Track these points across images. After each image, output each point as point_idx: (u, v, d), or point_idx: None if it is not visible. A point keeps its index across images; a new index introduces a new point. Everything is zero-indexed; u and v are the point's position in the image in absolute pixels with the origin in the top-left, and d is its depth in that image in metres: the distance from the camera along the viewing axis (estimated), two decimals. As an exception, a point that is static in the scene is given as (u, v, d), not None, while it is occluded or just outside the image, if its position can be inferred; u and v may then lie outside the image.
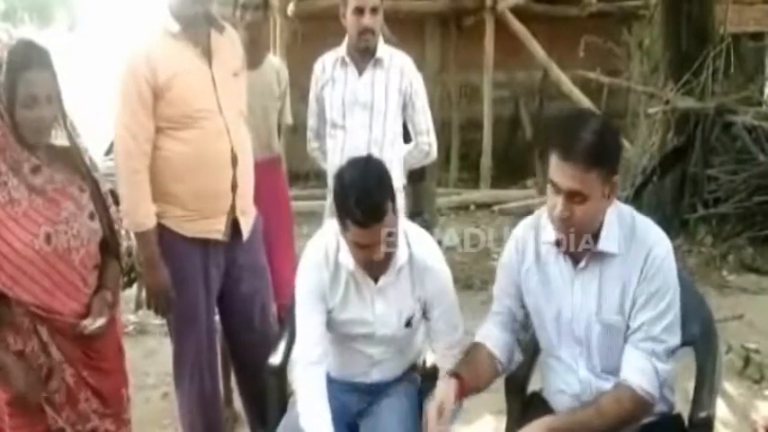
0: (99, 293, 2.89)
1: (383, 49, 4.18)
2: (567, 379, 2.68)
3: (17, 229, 2.65)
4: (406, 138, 4.35)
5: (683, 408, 2.77)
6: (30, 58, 2.66)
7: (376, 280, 2.87)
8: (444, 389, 2.61)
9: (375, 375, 3.06)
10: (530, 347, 2.96)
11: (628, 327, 2.56)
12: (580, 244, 2.55)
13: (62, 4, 23.65)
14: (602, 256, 2.56)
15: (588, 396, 2.62)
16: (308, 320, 2.88)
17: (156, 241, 3.37)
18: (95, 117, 2.97)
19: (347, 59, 4.18)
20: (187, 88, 3.31)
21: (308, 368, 2.84)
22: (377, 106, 4.14)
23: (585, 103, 9.69)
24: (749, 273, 7.03)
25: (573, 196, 2.41)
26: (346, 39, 4.21)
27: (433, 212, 7.31)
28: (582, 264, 2.58)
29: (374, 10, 4.05)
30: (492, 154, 10.59)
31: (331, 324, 2.93)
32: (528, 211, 9.01)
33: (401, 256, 2.84)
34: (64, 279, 2.76)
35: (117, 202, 3.14)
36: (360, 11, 4.02)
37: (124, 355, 3.14)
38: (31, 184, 2.70)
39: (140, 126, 3.27)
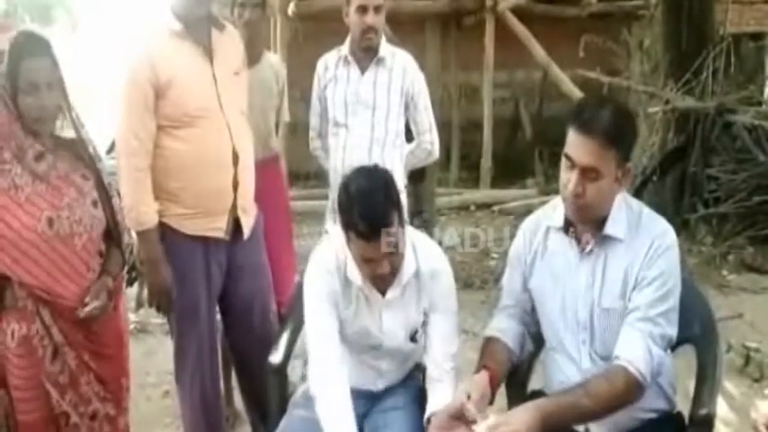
0: (100, 278, 2.93)
1: (385, 49, 4.19)
2: (569, 371, 2.69)
3: (20, 214, 2.72)
4: (408, 137, 4.35)
5: (683, 406, 2.78)
6: (30, 46, 2.74)
7: (383, 293, 2.82)
8: (479, 380, 2.59)
9: (381, 384, 3.05)
10: (533, 343, 2.96)
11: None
12: (587, 228, 2.59)
13: (62, 4, 23.65)
14: (607, 241, 2.58)
15: None
16: (323, 325, 2.80)
17: (157, 240, 3.37)
18: (96, 116, 2.98)
19: (350, 58, 4.18)
20: (188, 87, 3.32)
21: (333, 369, 2.74)
22: (379, 105, 4.14)
23: (585, 103, 9.68)
24: (749, 272, 7.04)
25: (588, 172, 2.44)
26: (349, 38, 4.21)
27: (433, 212, 7.31)
28: (588, 248, 2.61)
29: (378, 8, 4.05)
30: (492, 154, 10.60)
31: (340, 335, 2.88)
32: (528, 210, 9.07)
33: (408, 269, 2.78)
34: (66, 263, 2.81)
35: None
36: (363, 9, 4.03)
37: (126, 343, 3.18)
38: (35, 170, 2.77)
39: (142, 125, 3.28)
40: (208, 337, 3.60)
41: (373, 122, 4.14)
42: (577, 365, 2.67)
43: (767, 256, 7.23)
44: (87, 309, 2.84)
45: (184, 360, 3.62)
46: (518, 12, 10.54)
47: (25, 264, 2.75)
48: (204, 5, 3.41)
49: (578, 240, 2.64)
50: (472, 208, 9.75)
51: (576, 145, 2.46)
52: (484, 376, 2.60)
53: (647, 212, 2.64)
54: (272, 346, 3.29)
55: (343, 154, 4.16)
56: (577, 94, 9.83)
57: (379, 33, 4.13)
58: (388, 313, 2.86)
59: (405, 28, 7.16)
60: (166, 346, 5.34)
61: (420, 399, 3.05)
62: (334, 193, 4.30)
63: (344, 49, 4.23)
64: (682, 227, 7.59)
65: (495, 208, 9.54)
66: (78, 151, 2.92)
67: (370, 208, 2.55)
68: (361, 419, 2.98)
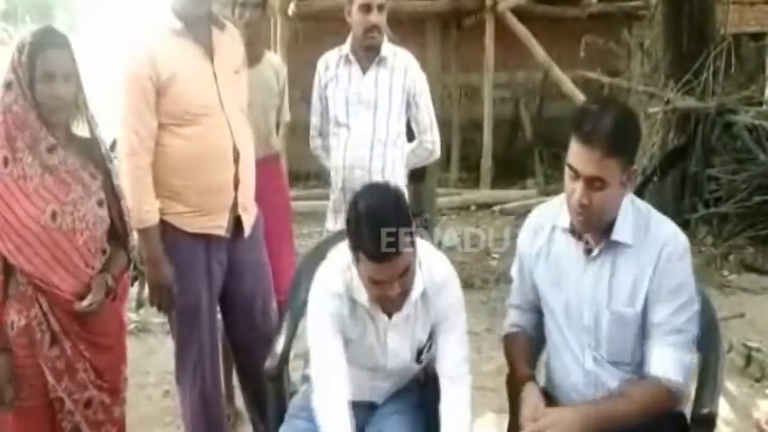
0: (99, 275, 2.95)
1: (387, 48, 4.18)
2: (572, 371, 2.70)
3: (26, 203, 2.76)
4: (409, 136, 4.35)
5: (685, 406, 2.77)
6: (49, 38, 2.84)
7: (389, 314, 2.75)
8: (532, 395, 2.62)
9: (382, 399, 3.03)
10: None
11: (644, 320, 2.57)
12: (595, 232, 2.58)
13: (62, 4, 23.68)
14: (615, 246, 2.58)
15: (593, 389, 2.65)
16: (328, 349, 2.73)
17: (158, 238, 3.37)
18: (98, 115, 2.99)
19: (351, 58, 4.18)
20: (189, 85, 3.32)
21: (332, 402, 2.68)
22: (380, 105, 4.14)
23: (586, 103, 9.68)
24: (750, 272, 7.04)
25: (592, 182, 2.42)
26: (350, 37, 4.21)
27: (433, 212, 7.31)
28: (595, 252, 2.60)
29: (381, 7, 4.05)
30: (492, 154, 10.58)
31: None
32: (528, 211, 9.08)
33: (416, 290, 2.71)
34: (66, 257, 2.84)
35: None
36: (367, 8, 4.02)
37: (125, 333, 3.21)
38: (45, 162, 2.81)
39: (143, 123, 3.28)
40: (208, 337, 3.60)
41: (375, 122, 4.14)
42: (581, 367, 2.67)
43: (768, 256, 7.24)
44: (85, 303, 2.86)
45: (185, 359, 3.62)
46: (518, 12, 10.53)
47: (26, 252, 2.78)
48: (204, 4, 3.42)
49: (585, 243, 2.63)
50: (472, 208, 9.74)
51: (578, 155, 2.44)
52: (534, 390, 2.64)
53: (656, 215, 2.63)
54: (272, 344, 3.27)
55: (345, 153, 4.15)
56: (578, 94, 9.83)
57: (383, 32, 4.12)
58: (394, 335, 2.80)
59: (405, 28, 7.16)
60: (167, 346, 5.34)
61: (420, 402, 3.06)
62: (335, 193, 4.30)
63: (345, 48, 4.23)
64: (682, 227, 7.53)
65: (496, 208, 9.54)
66: (90, 150, 2.96)
67: (379, 228, 2.45)
68: (362, 426, 2.95)
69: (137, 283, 5.13)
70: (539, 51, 10.29)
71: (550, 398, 2.77)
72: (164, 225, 3.39)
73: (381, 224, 2.45)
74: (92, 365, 2.95)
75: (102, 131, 3.03)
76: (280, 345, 3.17)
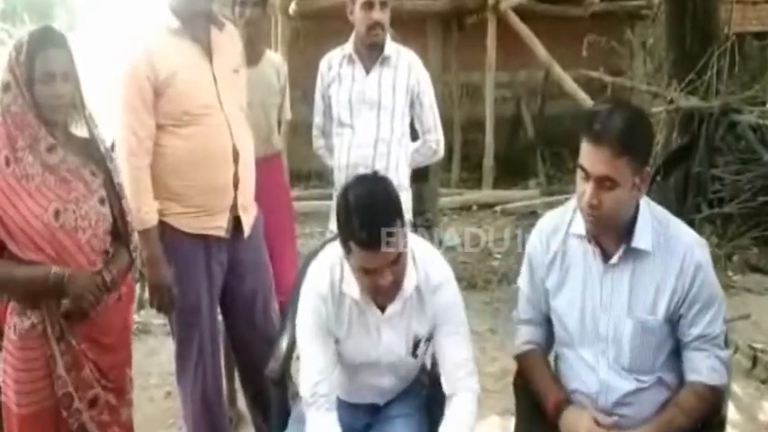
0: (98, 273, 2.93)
1: (390, 47, 4.16)
2: (586, 378, 2.67)
3: (30, 202, 2.76)
4: (413, 135, 4.32)
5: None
6: (47, 37, 2.82)
7: (382, 309, 2.74)
8: (581, 418, 2.61)
9: (383, 399, 3.01)
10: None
11: (668, 327, 2.58)
12: (611, 238, 2.57)
13: (62, 3, 23.66)
14: (635, 254, 2.55)
15: (604, 396, 2.64)
16: (312, 355, 2.75)
17: (157, 239, 3.36)
18: (96, 114, 2.98)
19: (354, 57, 4.16)
20: (188, 85, 3.32)
21: (317, 411, 2.72)
22: (384, 105, 4.12)
23: (588, 103, 9.65)
24: (754, 273, 7.00)
25: (603, 182, 2.41)
26: (353, 36, 4.18)
27: (435, 212, 7.28)
28: (614, 260, 2.58)
29: (384, 4, 4.03)
30: (494, 154, 10.55)
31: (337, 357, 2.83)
32: (530, 211, 9.09)
33: (409, 283, 2.70)
34: (69, 256, 2.83)
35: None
36: (369, 5, 4.00)
37: (130, 334, 3.22)
38: (46, 162, 2.81)
39: (142, 124, 3.28)
40: (209, 338, 3.59)
41: (378, 122, 4.12)
42: (595, 375, 2.65)
43: (772, 256, 7.21)
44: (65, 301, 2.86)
45: (186, 360, 3.61)
46: (520, 11, 10.49)
47: (32, 251, 2.77)
48: (202, 2, 3.40)
49: (602, 250, 2.60)
50: (474, 208, 9.71)
51: (589, 155, 2.43)
52: (581, 413, 2.63)
53: (674, 221, 2.62)
54: (273, 344, 3.27)
55: (348, 153, 4.14)
56: (580, 93, 9.80)
57: (386, 29, 4.10)
58: (388, 330, 2.78)
59: (406, 27, 7.12)
60: (168, 347, 5.31)
61: (425, 405, 3.03)
62: (337, 192, 4.28)
63: (348, 47, 4.21)
64: (686, 227, 7.55)
65: (497, 208, 9.50)
66: (90, 150, 2.94)
67: (369, 215, 2.46)
68: (366, 429, 2.95)
69: (137, 285, 5.11)
70: (541, 51, 10.26)
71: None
72: (163, 226, 3.39)
73: (372, 212, 2.47)
74: (96, 366, 2.94)
75: (102, 131, 3.01)
76: (282, 347, 3.16)
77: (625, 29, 10.27)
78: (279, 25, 9.96)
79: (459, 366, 2.78)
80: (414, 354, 2.84)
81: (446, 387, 2.79)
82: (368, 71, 4.15)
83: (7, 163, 2.74)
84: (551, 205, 8.62)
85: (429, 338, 2.83)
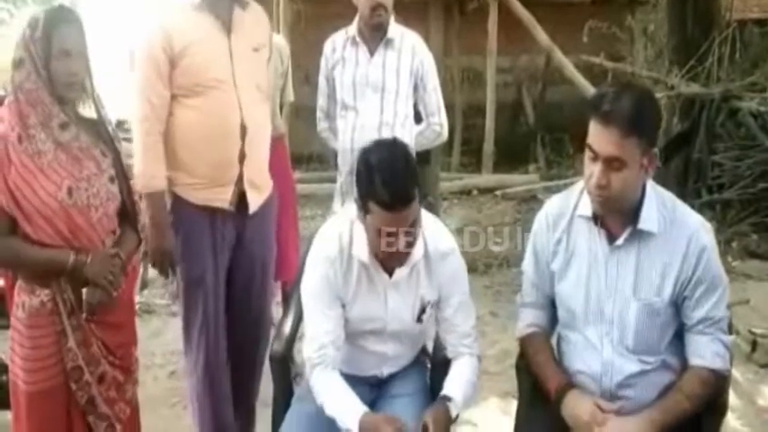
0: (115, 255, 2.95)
1: (394, 29, 4.17)
2: (589, 359, 2.68)
3: (43, 179, 2.76)
4: (417, 118, 4.33)
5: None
6: (63, 14, 2.83)
7: (390, 273, 2.80)
8: (583, 402, 2.61)
9: (386, 370, 3.04)
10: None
11: (676, 311, 2.60)
12: (617, 220, 2.58)
13: (63, -17, 23.55)
14: (640, 236, 2.57)
15: (608, 377, 2.64)
16: (319, 318, 2.80)
17: (163, 205, 3.45)
18: (102, 95, 3.00)
19: (358, 39, 4.17)
20: (202, 57, 3.37)
21: (323, 370, 2.78)
22: (388, 87, 4.13)
23: (589, 89, 9.64)
24: (753, 259, 7.01)
25: (611, 162, 2.42)
26: (356, 19, 4.19)
27: (436, 196, 7.29)
28: (619, 241, 2.59)
29: None
30: (494, 139, 10.55)
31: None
32: (530, 196, 9.09)
33: (417, 251, 2.76)
34: (83, 233, 2.84)
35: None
36: None
37: (134, 313, 3.25)
38: (58, 139, 2.80)
39: (156, 92, 3.36)
40: (213, 309, 3.61)
41: (382, 105, 4.13)
42: (599, 356, 2.66)
43: (772, 242, 7.23)
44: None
45: (190, 330, 3.64)
46: (522, -4, 10.48)
47: (46, 229, 2.78)
48: None
49: (608, 232, 2.62)
50: (474, 192, 9.71)
51: (597, 136, 2.44)
52: (583, 397, 2.63)
53: (680, 205, 2.63)
54: (265, 323, 3.53)
55: (352, 136, 4.15)
56: (580, 79, 9.76)
57: (389, 11, 4.10)
58: (395, 294, 2.84)
59: (408, 12, 7.11)
60: (171, 327, 5.36)
61: (427, 386, 3.06)
62: (342, 176, 4.29)
63: (352, 30, 4.22)
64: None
65: (498, 193, 9.50)
66: (99, 130, 2.95)
67: (392, 177, 2.52)
68: (369, 405, 2.97)
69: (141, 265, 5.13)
70: (542, 36, 10.20)
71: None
72: (171, 196, 3.48)
73: (393, 172, 2.53)
74: (103, 343, 2.95)
75: (108, 112, 3.03)
76: (286, 327, 3.18)
77: (626, 15, 10.24)
78: (281, 7, 9.93)
79: (464, 336, 2.90)
80: (419, 319, 2.89)
81: (450, 352, 2.91)
82: (372, 53, 4.16)
83: (20, 140, 2.74)
84: (551, 190, 8.68)
85: (434, 305, 2.89)
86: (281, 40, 4.62)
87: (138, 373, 3.17)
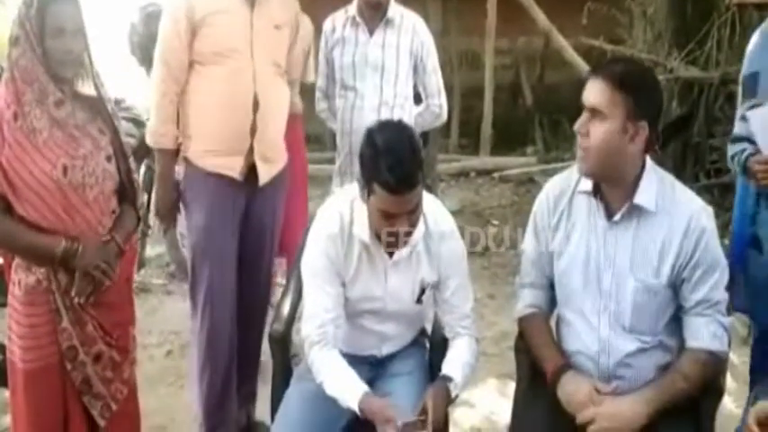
0: (109, 242, 2.94)
1: (394, 9, 4.15)
2: (586, 339, 2.69)
3: (38, 157, 2.75)
4: (416, 100, 4.32)
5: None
6: None
7: (390, 254, 2.82)
8: (579, 382, 2.62)
9: (385, 350, 3.05)
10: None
11: (674, 294, 2.61)
12: (616, 195, 2.60)
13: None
14: (638, 212, 2.58)
15: (606, 356, 2.65)
16: (319, 295, 2.81)
17: (171, 161, 3.62)
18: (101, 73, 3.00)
19: (358, 19, 4.15)
20: (221, 27, 3.44)
21: (322, 348, 2.79)
22: (388, 68, 4.12)
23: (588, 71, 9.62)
24: (750, 242, 6.98)
25: (595, 113, 2.49)
26: (355, -2, 4.17)
27: (434, 178, 7.28)
28: (617, 217, 2.61)
29: None
30: (492, 121, 10.53)
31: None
32: (528, 178, 9.08)
33: (417, 231, 2.78)
34: (77, 213, 2.84)
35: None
36: None
37: (132, 292, 3.26)
38: (54, 116, 2.80)
39: (173, 55, 3.47)
40: (221, 279, 3.63)
41: (382, 85, 4.13)
42: (596, 333, 2.67)
43: (768, 227, 7.20)
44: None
45: (196, 299, 3.68)
46: (521, -23, 10.43)
47: (40, 208, 2.77)
48: None
49: (607, 207, 2.63)
50: (472, 174, 9.70)
51: (588, 88, 2.53)
52: (579, 377, 2.64)
53: (680, 186, 2.65)
54: (266, 294, 3.61)
55: (351, 116, 4.15)
56: (579, 61, 9.74)
57: None
58: (395, 275, 2.85)
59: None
60: (167, 306, 5.37)
61: (426, 365, 3.07)
62: (340, 156, 4.29)
63: (352, 9, 4.21)
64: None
65: (496, 175, 9.50)
66: (97, 107, 2.95)
67: (398, 161, 2.52)
68: (368, 384, 2.98)
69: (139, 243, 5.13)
70: (540, 18, 10.18)
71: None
72: (185, 162, 3.59)
73: (400, 157, 2.53)
74: (99, 323, 2.95)
75: (107, 89, 3.02)
76: (286, 307, 3.18)
77: (626, -3, 10.21)
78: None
79: (463, 317, 2.93)
80: (418, 300, 2.91)
81: (448, 333, 2.95)
82: (371, 33, 4.15)
83: (15, 118, 2.73)
84: (549, 172, 8.67)
85: (433, 286, 2.91)
86: (305, 20, 4.58)
87: (135, 353, 3.17)
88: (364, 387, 2.70)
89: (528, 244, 2.87)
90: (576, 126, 2.54)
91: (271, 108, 3.56)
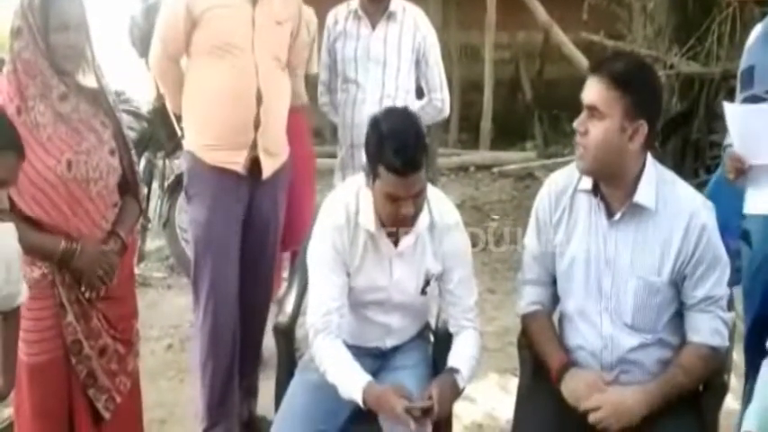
0: (111, 237, 2.94)
1: (396, 3, 4.15)
2: (588, 335, 2.69)
3: (42, 153, 2.73)
4: (418, 94, 4.31)
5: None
6: None
7: (396, 244, 2.83)
8: (583, 376, 2.62)
9: (389, 342, 3.05)
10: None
11: (676, 292, 2.60)
12: (616, 194, 2.59)
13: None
14: (638, 211, 2.57)
15: (609, 352, 2.65)
16: (325, 285, 2.82)
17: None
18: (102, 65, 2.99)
19: (360, 13, 4.15)
20: (222, 21, 3.45)
21: (327, 337, 2.79)
22: (390, 62, 4.12)
23: (588, 66, 9.61)
24: (750, 239, 6.98)
25: (592, 111, 2.48)
26: (358, -8, 4.16)
27: (434, 172, 7.28)
28: (617, 216, 2.60)
29: None
30: (492, 116, 10.53)
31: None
32: (527, 173, 9.07)
33: (422, 221, 2.80)
34: (81, 207, 2.83)
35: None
36: None
37: (134, 285, 3.26)
38: (58, 110, 2.78)
39: (172, 39, 3.54)
40: (224, 272, 3.63)
41: (384, 79, 4.12)
42: (598, 331, 2.66)
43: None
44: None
45: (199, 293, 3.67)
46: (521, -29, 10.41)
47: (44, 204, 2.76)
48: None
49: (607, 206, 2.63)
50: (472, 169, 9.71)
51: (587, 86, 2.52)
52: (583, 372, 2.64)
53: (681, 183, 2.64)
54: (268, 289, 3.60)
55: (353, 110, 4.14)
56: (579, 56, 9.72)
57: None
58: (400, 264, 2.86)
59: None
60: (168, 300, 5.37)
61: (430, 359, 3.07)
62: (342, 150, 4.28)
63: (354, 2, 4.20)
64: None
65: (495, 170, 9.51)
66: (99, 100, 2.93)
67: (403, 143, 2.56)
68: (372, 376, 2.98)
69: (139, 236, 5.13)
70: (541, 12, 10.17)
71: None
72: (189, 156, 3.60)
73: (404, 139, 2.58)
74: (104, 316, 2.95)
75: (109, 81, 3.02)
76: (290, 301, 3.19)
77: (626, -8, 10.19)
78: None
79: (467, 310, 2.93)
80: (423, 291, 2.92)
81: (452, 326, 2.95)
82: (373, 27, 4.15)
83: (18, 112, 2.71)
84: (548, 167, 8.67)
85: (438, 277, 2.91)
86: (308, 12, 4.56)
87: (138, 346, 3.17)
88: (368, 377, 2.70)
89: (530, 240, 2.86)
90: (576, 124, 2.53)
91: (274, 102, 3.57)
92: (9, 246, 2.43)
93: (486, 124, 10.46)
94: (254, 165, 3.59)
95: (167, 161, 6.10)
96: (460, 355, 2.84)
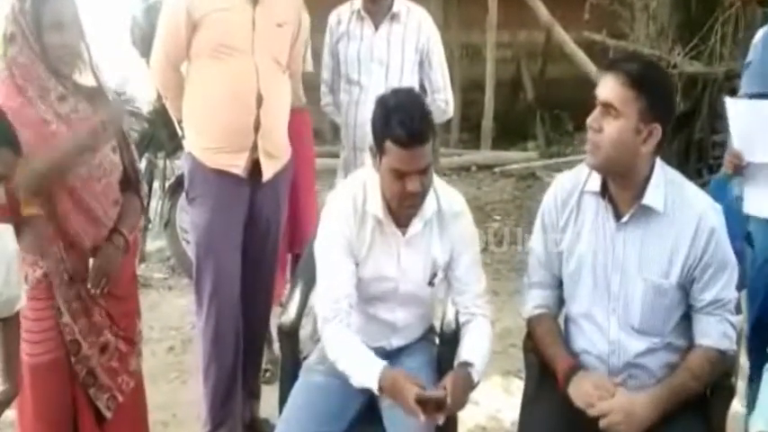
0: (113, 235, 2.93)
1: (399, 3, 4.13)
2: (595, 339, 2.68)
3: (45, 150, 2.70)
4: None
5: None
6: None
7: (403, 232, 2.83)
8: (592, 378, 2.60)
9: (395, 342, 3.04)
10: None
11: (684, 295, 2.59)
12: (624, 196, 2.58)
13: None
14: (647, 213, 2.56)
15: (616, 357, 2.64)
16: (334, 272, 2.81)
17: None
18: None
19: (363, 13, 4.14)
20: (223, 24, 3.44)
21: (337, 324, 2.77)
22: (393, 63, 4.12)
23: (589, 66, 9.59)
24: (755, 240, 6.96)
25: (607, 108, 2.47)
26: (362, -9, 4.15)
27: (437, 171, 7.26)
28: (625, 218, 2.58)
29: None
30: (493, 115, 10.52)
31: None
32: (529, 173, 9.05)
33: (429, 207, 2.80)
34: (85, 205, 2.83)
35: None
36: None
37: (136, 284, 3.26)
38: (58, 111, 2.78)
39: (173, 45, 3.53)
40: (226, 275, 3.62)
41: (387, 80, 4.12)
42: (605, 334, 2.65)
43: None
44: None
45: (201, 296, 3.66)
46: (522, -30, 10.40)
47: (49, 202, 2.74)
48: None
49: (615, 208, 2.61)
50: (473, 169, 9.71)
51: (602, 83, 2.51)
52: (591, 375, 2.62)
53: (689, 185, 2.63)
54: (270, 300, 3.60)
55: (356, 111, 4.14)
56: (581, 56, 9.71)
57: None
58: (408, 252, 2.86)
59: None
60: (169, 301, 5.35)
61: (435, 361, 3.06)
62: (345, 150, 4.27)
63: (357, 3, 4.19)
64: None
65: (497, 169, 9.50)
66: (98, 98, 2.92)
67: (408, 116, 2.59)
68: None
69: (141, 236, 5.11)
70: (542, 11, 10.15)
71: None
72: (190, 159, 3.59)
73: (410, 112, 2.61)
74: (107, 313, 2.95)
75: (107, 79, 3.03)
76: (295, 300, 3.19)
77: (628, -9, 10.18)
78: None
79: (478, 297, 2.93)
80: (431, 282, 2.91)
81: (462, 316, 2.94)
82: (377, 28, 4.14)
83: (22, 108, 2.70)
84: (550, 167, 8.66)
85: (445, 268, 2.90)
86: (302, 13, 4.55)
87: (140, 345, 3.16)
88: (382, 362, 2.68)
89: (535, 243, 2.84)
90: (589, 120, 2.51)
91: (274, 104, 3.56)
92: (7, 246, 2.42)
93: (487, 124, 10.45)
94: (255, 167, 3.58)
95: (168, 161, 6.10)
96: (473, 348, 2.82)
